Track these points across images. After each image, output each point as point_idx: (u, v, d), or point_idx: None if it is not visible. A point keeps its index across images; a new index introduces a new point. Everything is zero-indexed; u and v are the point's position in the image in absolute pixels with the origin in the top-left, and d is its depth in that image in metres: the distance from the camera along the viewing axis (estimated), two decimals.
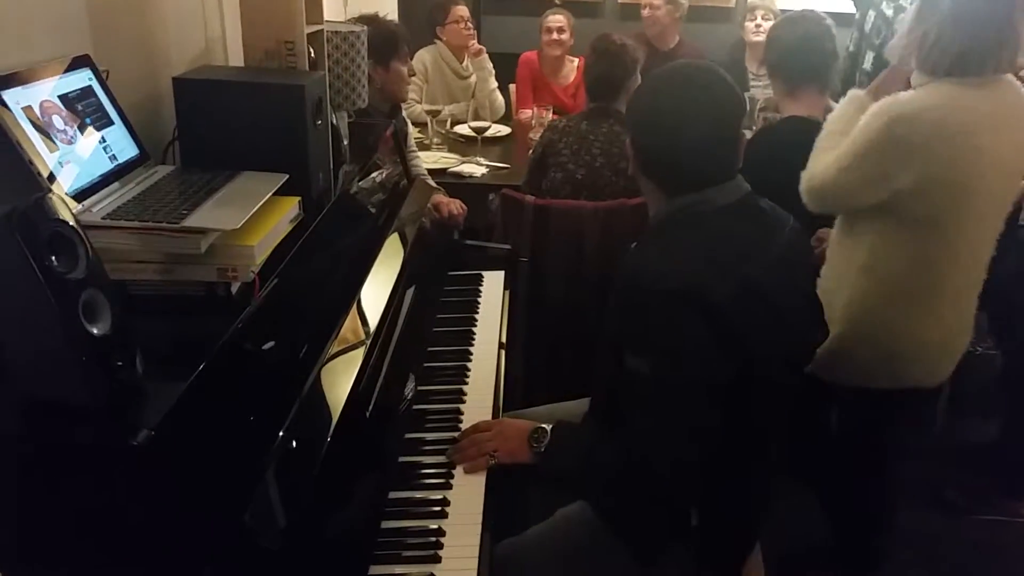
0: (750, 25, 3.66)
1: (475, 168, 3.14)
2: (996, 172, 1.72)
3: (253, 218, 1.20)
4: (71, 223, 0.89)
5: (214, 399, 1.01)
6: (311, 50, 1.67)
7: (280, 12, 1.58)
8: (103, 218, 1.12)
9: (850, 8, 3.54)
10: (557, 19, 3.84)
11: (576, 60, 3.94)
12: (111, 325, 0.91)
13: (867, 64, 3.35)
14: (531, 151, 2.92)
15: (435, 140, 3.41)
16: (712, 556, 1.49)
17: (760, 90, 3.70)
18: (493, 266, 2.37)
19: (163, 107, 1.55)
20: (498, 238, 2.62)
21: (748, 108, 2.29)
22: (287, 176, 1.37)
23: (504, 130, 3.62)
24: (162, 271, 1.15)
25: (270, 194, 1.29)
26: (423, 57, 3.77)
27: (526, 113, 3.74)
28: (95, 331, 0.89)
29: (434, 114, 3.44)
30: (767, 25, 3.61)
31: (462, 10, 3.80)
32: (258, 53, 1.62)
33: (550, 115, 3.43)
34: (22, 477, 0.88)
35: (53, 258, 0.86)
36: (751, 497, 1.50)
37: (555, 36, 3.86)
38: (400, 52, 2.55)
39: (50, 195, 0.89)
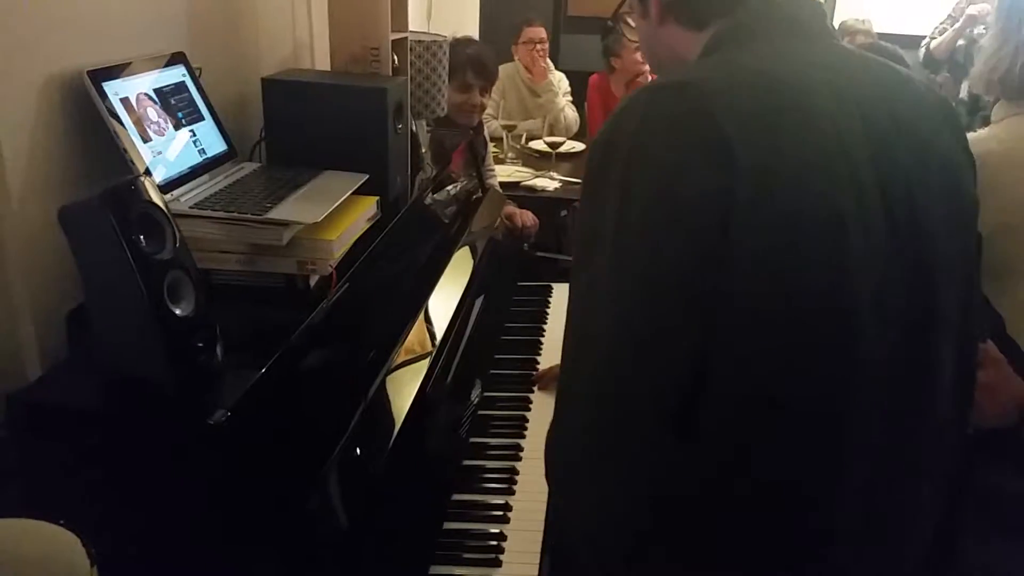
0: None
1: (548, 182, 3.15)
2: None
3: (333, 214, 1.22)
4: (160, 206, 0.92)
5: (287, 392, 1.03)
6: (395, 57, 1.70)
7: (367, 19, 1.62)
8: (191, 207, 1.16)
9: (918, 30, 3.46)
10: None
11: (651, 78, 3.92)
12: (194, 307, 0.93)
13: (963, 94, 3.26)
14: None
15: (510, 155, 3.43)
16: None
17: None
18: (563, 279, 2.36)
19: (250, 107, 1.59)
20: (568, 251, 2.62)
21: None
22: (367, 176, 1.40)
23: (578, 146, 3.63)
24: (244, 261, 1.18)
25: (350, 192, 1.31)
26: (500, 73, 3.81)
27: None
28: (178, 311, 0.91)
29: (509, 129, 3.47)
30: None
31: (534, 31, 3.83)
32: (344, 58, 1.65)
33: None
34: (102, 450, 0.91)
35: (141, 237, 0.89)
36: None
37: (635, 56, 3.84)
38: (455, 78, 2.48)
39: (142, 178, 0.92)
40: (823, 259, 0.78)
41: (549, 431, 0.88)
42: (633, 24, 1.07)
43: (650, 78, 3.90)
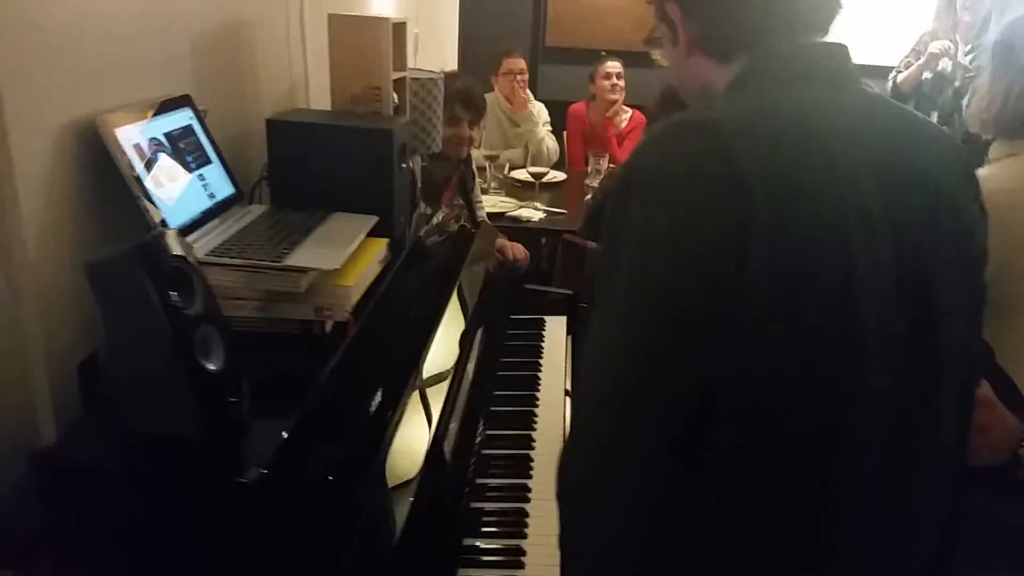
0: None
1: (532, 212, 3.16)
2: None
3: (348, 258, 1.21)
4: (189, 259, 0.91)
5: (313, 443, 1.01)
6: (395, 96, 1.70)
7: (370, 59, 1.62)
8: (206, 255, 1.14)
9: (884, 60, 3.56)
10: (615, 65, 3.89)
11: (630, 112, 3.97)
12: (224, 361, 0.92)
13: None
14: (588, 197, 2.94)
15: (492, 184, 3.44)
16: None
17: None
18: (553, 311, 2.36)
19: (249, 147, 1.58)
20: (557, 283, 2.62)
21: None
22: (376, 219, 1.39)
23: (560, 176, 3.65)
24: (260, 308, 1.16)
25: (363, 235, 1.30)
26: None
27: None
28: (210, 367, 0.89)
29: (492, 159, 3.47)
30: None
31: (514, 62, 3.86)
32: (345, 97, 1.65)
33: (606, 162, 3.45)
34: (131, 511, 0.88)
35: (174, 293, 0.87)
36: None
37: (614, 81, 3.89)
38: (444, 111, 2.48)
39: (170, 231, 0.91)
40: (833, 301, 0.80)
41: (562, 450, 0.89)
42: (663, 51, 1.08)
43: (623, 109, 3.95)
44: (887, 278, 0.83)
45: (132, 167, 1.11)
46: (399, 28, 1.68)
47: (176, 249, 0.89)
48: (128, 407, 0.91)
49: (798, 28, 0.92)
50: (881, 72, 3.86)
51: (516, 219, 3.12)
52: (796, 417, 0.82)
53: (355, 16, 1.62)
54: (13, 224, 0.99)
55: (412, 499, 1.16)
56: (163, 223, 1.12)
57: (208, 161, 1.32)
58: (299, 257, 1.16)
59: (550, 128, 3.97)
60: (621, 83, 3.93)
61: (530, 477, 1.59)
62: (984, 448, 1.18)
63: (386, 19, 1.62)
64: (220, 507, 0.87)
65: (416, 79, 1.88)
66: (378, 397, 1.21)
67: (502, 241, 2.56)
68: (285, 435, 0.93)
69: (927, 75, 3.69)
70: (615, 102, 3.96)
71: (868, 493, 0.87)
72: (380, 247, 1.35)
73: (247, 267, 1.13)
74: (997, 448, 1.24)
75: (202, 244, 1.17)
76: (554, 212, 3.19)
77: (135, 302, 0.85)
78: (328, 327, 1.21)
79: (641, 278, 0.80)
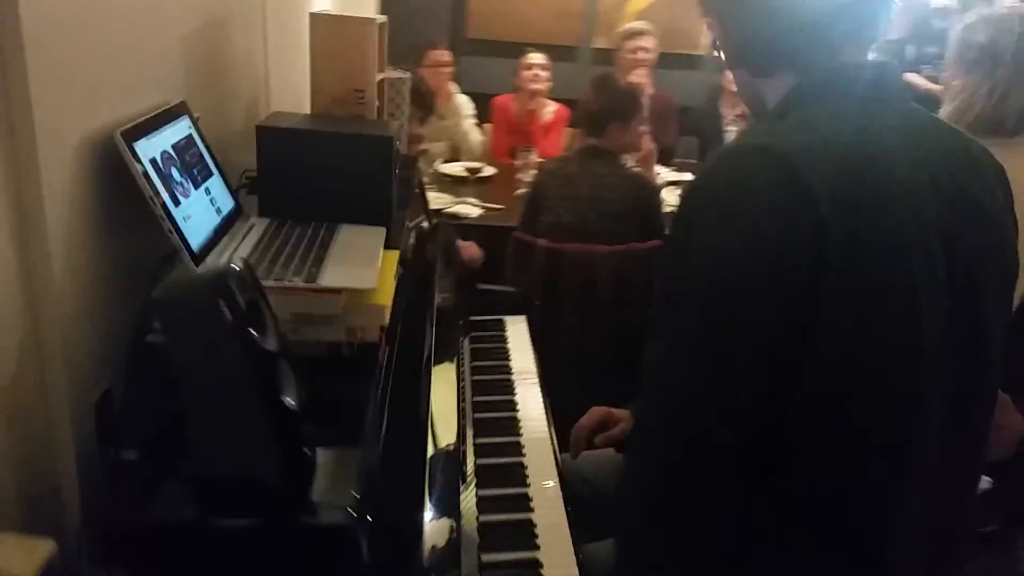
0: (730, 75, 3.78)
1: (470, 209, 3.13)
2: None
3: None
4: (262, 291, 0.85)
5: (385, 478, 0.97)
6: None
7: (353, 60, 1.55)
8: None
9: None
10: (538, 57, 3.88)
11: (554, 105, 3.98)
12: (297, 397, 0.86)
13: None
14: (521, 191, 2.93)
15: (424, 180, 3.37)
16: None
17: (731, 134, 3.83)
18: (509, 310, 2.35)
19: (226, 153, 1.49)
20: (507, 281, 2.61)
21: None
22: (385, 229, 1.34)
23: (491, 170, 3.63)
24: (290, 332, 1.10)
25: (382, 249, 1.25)
26: None
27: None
28: (290, 405, 0.84)
29: (422, 153, 3.41)
30: None
31: (439, 54, 3.80)
32: (325, 100, 1.58)
33: (534, 155, 3.45)
34: (212, 564, 0.82)
35: (252, 330, 0.81)
36: None
37: (536, 72, 3.89)
38: None
39: (243, 260, 0.85)
40: (901, 325, 0.83)
41: (624, 480, 0.89)
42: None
43: (546, 101, 3.96)
44: (942, 302, 0.86)
45: (154, 188, 1.02)
46: (382, 29, 1.62)
47: (254, 280, 0.83)
48: (199, 452, 0.84)
49: (840, 45, 0.92)
50: None
51: (454, 216, 3.08)
52: (866, 432, 0.84)
53: (339, 16, 1.55)
54: (38, 244, 0.89)
55: (451, 525, 1.13)
56: (188, 247, 1.04)
57: (210, 173, 1.23)
58: (332, 276, 1.11)
59: (475, 121, 3.94)
60: (544, 74, 3.93)
61: (528, 486, 1.58)
62: (996, 444, 1.26)
63: (372, 19, 1.56)
64: (309, 553, 0.82)
65: (386, 78, 1.83)
66: (423, 418, 1.18)
67: (459, 240, 2.52)
68: (361, 472, 0.89)
69: None
70: (536, 93, 3.96)
71: (921, 504, 0.90)
72: (394, 260, 1.30)
73: (279, 289, 1.07)
74: (1008, 444, 1.33)
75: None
76: (491, 208, 3.17)
77: (212, 339, 0.79)
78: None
79: (716, 302, 0.81)
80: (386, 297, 1.14)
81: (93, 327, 1.00)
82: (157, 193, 1.02)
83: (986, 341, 0.92)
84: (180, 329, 0.80)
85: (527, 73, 3.91)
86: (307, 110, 1.62)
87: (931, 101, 3.79)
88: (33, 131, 0.86)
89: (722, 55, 1.02)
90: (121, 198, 1.03)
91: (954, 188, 0.90)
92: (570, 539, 1.37)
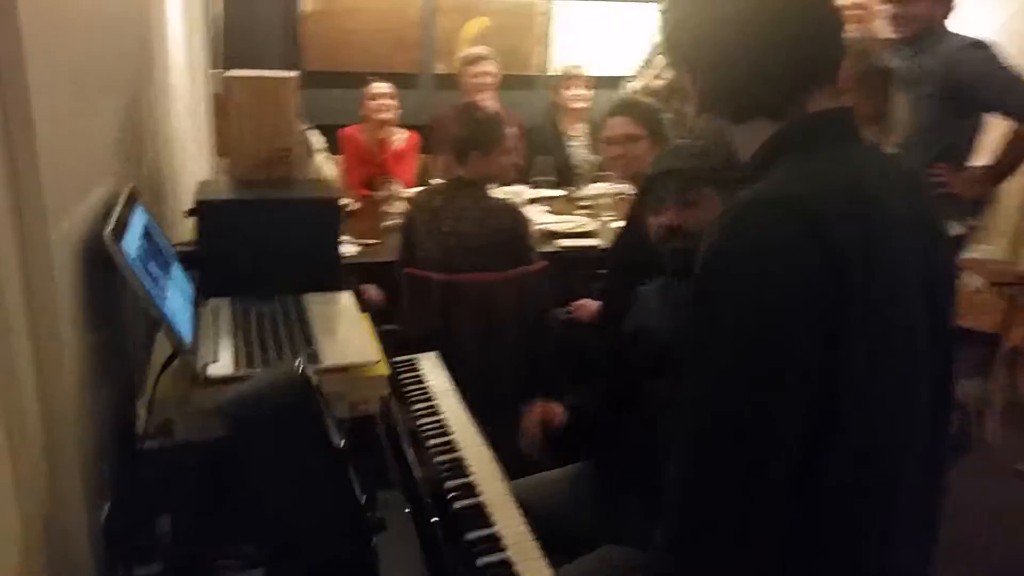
0: (568, 93, 3.93)
1: (347, 247, 3.08)
2: None
3: None
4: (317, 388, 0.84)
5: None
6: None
7: (274, 120, 1.52)
8: (236, 370, 1.03)
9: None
10: (382, 87, 3.87)
11: (404, 132, 3.98)
12: (363, 490, 0.86)
13: None
14: (390, 224, 2.95)
15: None
16: None
17: (576, 149, 4.00)
18: (414, 348, 2.35)
19: None
20: (404, 318, 2.61)
21: None
22: (350, 292, 1.33)
23: (352, 203, 3.58)
24: None
25: (357, 315, 1.25)
26: None
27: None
28: (361, 497, 0.83)
29: None
30: (586, 93, 3.92)
31: None
32: (248, 163, 1.53)
33: (397, 185, 3.45)
34: None
35: (329, 424, 0.80)
36: None
37: (381, 102, 3.88)
38: None
39: (299, 361, 0.83)
40: (904, 343, 0.93)
41: (674, 498, 0.92)
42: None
43: (396, 129, 3.96)
44: (922, 309, 0.97)
45: (144, 287, 0.96)
46: (295, 84, 1.59)
47: (319, 382, 0.82)
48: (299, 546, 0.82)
49: (808, 91, 0.96)
50: (617, 82, 4.26)
51: None
52: (885, 432, 0.94)
53: (256, 77, 1.51)
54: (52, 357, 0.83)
55: None
56: (183, 344, 1.00)
57: (171, 259, 1.18)
58: (333, 354, 1.09)
59: (327, 155, 3.87)
60: (391, 102, 3.92)
61: (494, 525, 1.60)
62: None
63: (289, 77, 1.53)
64: None
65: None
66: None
67: (361, 284, 2.49)
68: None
69: (657, 83, 4.14)
70: (386, 122, 3.95)
71: (914, 493, 1.01)
72: (366, 322, 1.29)
73: None
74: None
75: (222, 363, 1.05)
76: (366, 243, 3.14)
77: (293, 443, 0.78)
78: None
79: (747, 344, 0.86)
80: (384, 366, 1.14)
81: (95, 435, 0.93)
82: (149, 293, 0.97)
83: (950, 341, 1.04)
84: (250, 434, 0.77)
85: (373, 103, 3.89)
86: (218, 175, 1.57)
87: None
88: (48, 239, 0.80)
89: (698, 102, 1.04)
90: (95, 298, 0.97)
91: (925, 217, 1.01)
92: None
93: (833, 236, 0.86)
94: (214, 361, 1.04)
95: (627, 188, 3.32)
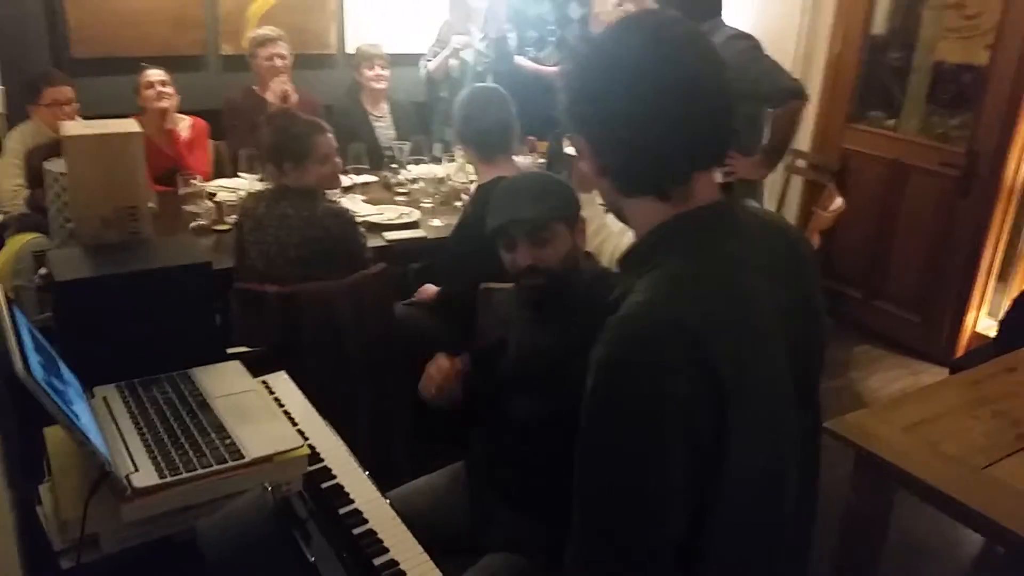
0: (369, 73, 3.86)
1: None
2: None
3: None
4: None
5: None
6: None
7: (118, 178, 1.43)
8: (161, 479, 1.01)
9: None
10: (156, 74, 3.60)
11: (188, 119, 3.75)
12: None
13: None
14: (197, 224, 2.84)
15: None
16: None
17: (383, 130, 3.98)
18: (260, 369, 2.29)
19: None
20: (240, 336, 2.52)
21: None
22: (238, 361, 1.31)
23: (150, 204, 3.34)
24: (209, 512, 1.06)
25: (263, 390, 1.24)
26: (22, 137, 3.29)
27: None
28: None
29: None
30: (386, 73, 3.88)
31: (58, 91, 3.38)
32: (93, 224, 1.43)
33: (198, 180, 3.27)
34: None
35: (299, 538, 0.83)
36: None
37: (158, 90, 3.62)
38: None
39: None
40: (774, 423, 1.03)
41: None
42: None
43: (180, 117, 3.71)
44: (792, 385, 1.06)
45: (65, 415, 0.92)
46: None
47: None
48: None
49: (694, 175, 1.00)
50: (412, 60, 4.25)
51: None
52: (760, 496, 1.04)
53: (98, 135, 1.40)
54: None
55: None
56: (106, 463, 0.96)
57: (56, 359, 1.10)
58: (254, 446, 1.09)
59: None
60: (168, 90, 3.67)
61: (388, 551, 1.63)
62: None
63: (133, 133, 1.44)
64: None
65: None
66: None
67: None
68: None
69: (453, 62, 4.19)
70: (166, 110, 3.71)
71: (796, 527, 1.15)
72: (263, 390, 1.29)
73: (209, 475, 1.04)
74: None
75: (143, 472, 1.02)
76: None
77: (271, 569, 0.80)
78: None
79: (637, 447, 0.93)
80: (305, 446, 1.15)
81: None
82: (68, 419, 0.93)
83: (816, 403, 1.17)
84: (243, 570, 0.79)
85: (149, 92, 3.62)
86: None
87: (542, 81, 4.36)
88: None
89: (593, 169, 1.06)
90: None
91: (800, 297, 1.10)
92: None
93: (713, 357, 0.92)
94: (135, 471, 1.01)
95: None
